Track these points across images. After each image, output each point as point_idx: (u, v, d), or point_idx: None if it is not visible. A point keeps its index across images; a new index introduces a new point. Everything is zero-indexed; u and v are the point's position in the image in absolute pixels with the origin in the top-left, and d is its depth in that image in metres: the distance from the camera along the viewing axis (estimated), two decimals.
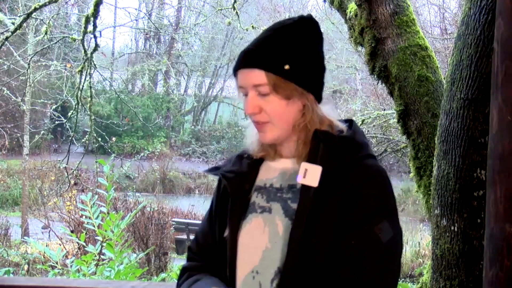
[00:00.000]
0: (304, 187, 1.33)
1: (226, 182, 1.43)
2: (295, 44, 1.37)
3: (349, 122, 1.45)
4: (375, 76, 3.42)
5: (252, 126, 1.45)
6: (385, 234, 1.30)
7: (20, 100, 11.09)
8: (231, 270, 1.39)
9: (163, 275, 5.60)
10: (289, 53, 1.36)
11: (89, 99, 6.73)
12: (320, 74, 1.41)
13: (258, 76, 1.35)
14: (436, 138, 2.63)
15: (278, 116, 1.37)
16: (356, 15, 3.48)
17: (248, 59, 1.38)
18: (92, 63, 6.33)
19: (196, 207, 14.81)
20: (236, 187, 1.43)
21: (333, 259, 1.29)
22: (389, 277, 1.32)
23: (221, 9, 9.05)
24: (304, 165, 1.34)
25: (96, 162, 6.54)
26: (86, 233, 5.46)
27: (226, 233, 1.42)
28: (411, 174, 3.36)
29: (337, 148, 1.36)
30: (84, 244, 4.64)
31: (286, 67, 1.35)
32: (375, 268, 1.29)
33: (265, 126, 1.37)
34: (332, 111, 1.44)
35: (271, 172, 1.44)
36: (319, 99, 1.40)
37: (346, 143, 1.37)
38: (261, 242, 1.36)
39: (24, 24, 6.86)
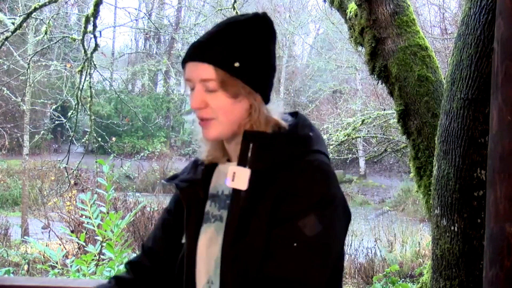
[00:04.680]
0: (235, 191, 1.30)
1: (179, 192, 1.41)
2: (246, 42, 1.33)
3: (295, 115, 1.40)
4: (375, 76, 3.43)
5: (197, 126, 1.40)
6: (310, 228, 1.25)
7: (20, 100, 11.07)
8: (190, 280, 1.38)
9: None
10: (240, 50, 1.33)
11: (89, 99, 6.73)
12: (269, 74, 1.38)
13: (206, 70, 1.31)
14: (436, 138, 2.63)
15: (224, 113, 1.32)
16: (356, 15, 3.48)
17: (198, 52, 1.33)
18: (92, 63, 6.33)
19: None
20: (189, 197, 1.40)
21: (263, 258, 1.26)
22: (317, 273, 1.26)
23: (221, 9, 9.04)
24: (232, 168, 1.32)
25: (96, 162, 6.54)
26: (86, 233, 5.46)
27: (183, 241, 1.41)
28: (411, 174, 3.36)
29: (269, 147, 1.32)
30: (84, 244, 4.64)
31: (236, 64, 1.31)
32: (299, 264, 1.24)
33: (209, 123, 1.33)
34: (278, 108, 1.39)
35: (221, 178, 1.40)
36: (266, 99, 1.36)
37: (280, 141, 1.33)
38: (214, 252, 1.34)
39: (24, 24, 6.86)
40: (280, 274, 1.24)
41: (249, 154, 1.32)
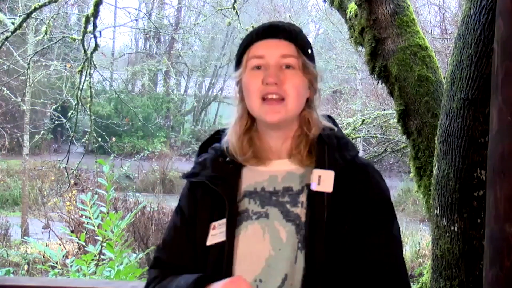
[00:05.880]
0: (317, 194, 1.29)
1: (218, 189, 1.35)
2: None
3: (328, 117, 1.45)
4: (375, 76, 3.43)
5: (233, 129, 1.38)
6: (397, 229, 1.35)
7: (20, 100, 11.05)
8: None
9: None
10: (309, 42, 1.39)
11: (89, 99, 6.72)
12: None
13: (289, 47, 1.33)
14: (436, 138, 2.62)
15: (296, 93, 1.33)
16: (356, 15, 3.48)
17: (280, 31, 1.34)
18: (92, 63, 6.32)
19: None
20: (228, 193, 1.35)
21: (363, 263, 1.29)
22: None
23: (221, 9, 9.04)
24: (317, 171, 1.31)
25: (96, 162, 6.54)
26: (86, 233, 5.46)
27: (210, 242, 1.34)
28: (411, 174, 3.36)
29: (337, 149, 1.35)
30: (84, 244, 4.64)
31: (309, 51, 1.37)
32: (402, 263, 1.34)
33: (277, 103, 1.31)
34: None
35: (258, 175, 1.37)
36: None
37: (341, 143, 1.37)
38: (262, 250, 1.30)
39: (24, 24, 6.85)
40: (391, 276, 1.31)
41: (326, 157, 1.33)
